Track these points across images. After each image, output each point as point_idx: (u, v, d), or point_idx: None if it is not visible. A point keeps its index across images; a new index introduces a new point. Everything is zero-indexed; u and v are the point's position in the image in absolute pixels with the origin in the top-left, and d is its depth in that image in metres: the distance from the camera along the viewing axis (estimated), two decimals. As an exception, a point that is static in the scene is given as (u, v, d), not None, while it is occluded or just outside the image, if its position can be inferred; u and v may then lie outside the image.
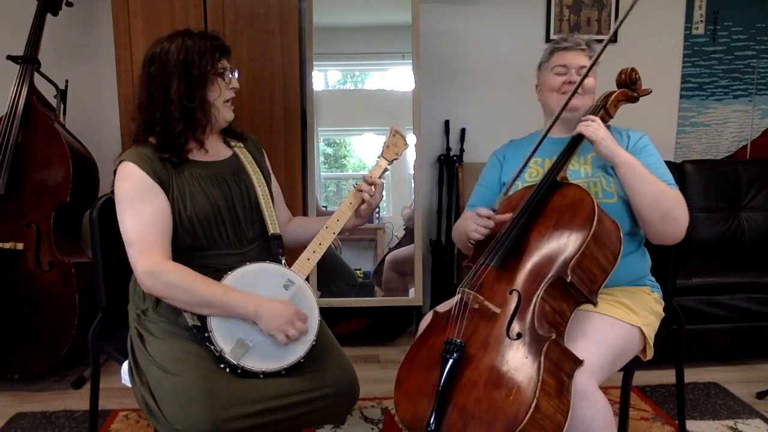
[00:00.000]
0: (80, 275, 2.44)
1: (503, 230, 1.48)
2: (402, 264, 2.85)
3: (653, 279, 1.69)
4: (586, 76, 1.59)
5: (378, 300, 2.86)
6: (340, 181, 3.13)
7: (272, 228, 1.56)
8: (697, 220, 2.99)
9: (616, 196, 1.58)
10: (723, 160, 3.30)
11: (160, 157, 1.45)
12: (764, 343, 2.63)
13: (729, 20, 3.22)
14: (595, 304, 1.39)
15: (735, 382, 2.49)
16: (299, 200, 2.67)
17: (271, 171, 1.71)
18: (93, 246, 1.64)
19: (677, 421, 1.95)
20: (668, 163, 1.65)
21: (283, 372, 1.41)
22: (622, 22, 1.58)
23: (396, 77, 2.95)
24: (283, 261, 1.52)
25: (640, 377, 2.46)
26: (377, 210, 2.96)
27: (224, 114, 1.52)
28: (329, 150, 3.07)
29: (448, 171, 3.17)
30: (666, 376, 2.42)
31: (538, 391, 1.18)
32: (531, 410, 1.16)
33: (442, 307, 1.55)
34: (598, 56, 1.58)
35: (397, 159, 1.66)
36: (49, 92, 2.64)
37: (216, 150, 1.57)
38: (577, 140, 1.56)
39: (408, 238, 2.87)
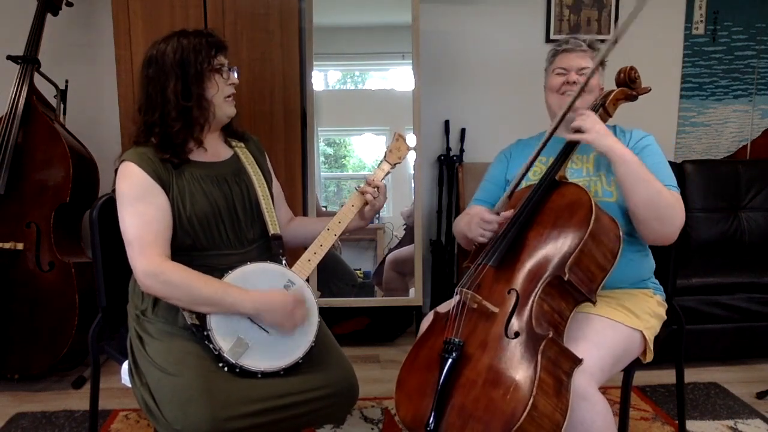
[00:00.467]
0: (80, 275, 2.44)
1: (501, 230, 1.49)
2: (402, 264, 2.85)
3: (656, 281, 1.69)
4: (590, 77, 1.58)
5: (378, 300, 2.86)
6: (340, 181, 3.13)
7: (273, 229, 1.56)
8: (697, 220, 2.99)
9: (615, 195, 1.58)
10: (723, 160, 3.30)
11: (160, 158, 1.45)
12: (764, 343, 2.63)
13: (729, 20, 3.22)
14: (594, 303, 1.39)
15: (735, 382, 2.49)
16: (299, 200, 2.67)
17: (272, 172, 1.71)
18: (93, 246, 1.64)
19: (677, 421, 1.95)
20: (668, 163, 1.64)
21: (282, 372, 1.41)
22: (626, 27, 1.56)
23: (396, 77, 2.95)
24: (284, 261, 1.52)
25: (640, 377, 2.46)
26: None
27: (225, 110, 1.52)
28: (329, 150, 3.07)
29: (448, 171, 3.17)
30: (666, 376, 2.42)
31: (535, 389, 1.18)
32: (528, 408, 1.16)
33: (442, 308, 1.56)
34: (600, 61, 1.57)
35: (399, 163, 1.67)
36: (49, 92, 2.64)
37: (217, 150, 1.57)
38: (572, 143, 1.55)
39: (408, 238, 2.87)
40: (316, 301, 1.50)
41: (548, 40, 3.16)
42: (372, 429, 2.14)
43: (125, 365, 1.50)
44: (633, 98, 1.65)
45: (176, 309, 1.42)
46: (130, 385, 1.45)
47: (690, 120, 3.32)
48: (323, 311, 1.52)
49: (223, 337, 1.37)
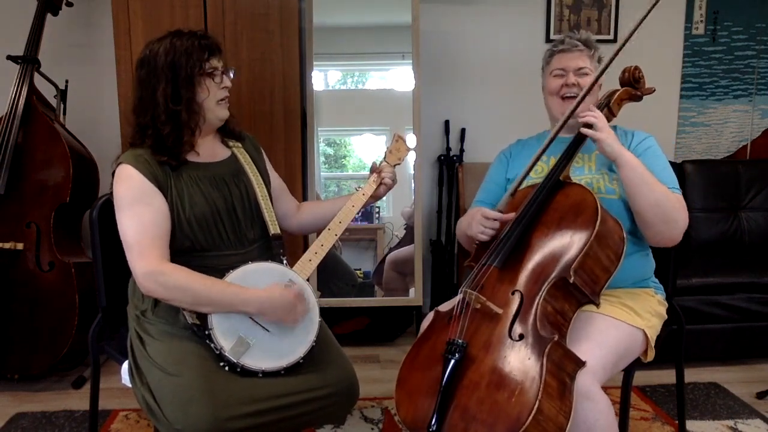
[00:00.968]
0: (80, 275, 2.44)
1: (505, 230, 1.48)
2: (402, 264, 2.85)
3: (657, 281, 1.69)
4: (594, 84, 1.57)
5: (378, 300, 2.86)
6: (340, 181, 3.13)
7: (272, 228, 1.56)
8: (697, 220, 2.99)
9: (617, 193, 1.58)
10: (723, 160, 3.30)
11: (158, 160, 1.45)
12: (764, 343, 2.63)
13: (729, 20, 3.22)
14: (597, 305, 1.39)
15: (735, 382, 2.49)
16: (299, 200, 2.67)
17: (270, 168, 1.71)
18: (93, 246, 1.64)
19: (677, 421, 1.95)
20: (670, 166, 1.64)
21: (283, 372, 1.41)
22: (631, 35, 1.53)
23: (396, 77, 2.95)
24: (284, 261, 1.52)
25: (640, 377, 2.46)
26: (377, 210, 2.96)
27: (217, 113, 1.52)
28: (329, 150, 3.07)
29: (448, 171, 3.17)
30: (666, 376, 2.42)
31: (540, 392, 1.17)
32: (533, 412, 1.15)
33: (443, 307, 1.55)
34: (604, 69, 1.54)
35: (399, 164, 1.68)
36: (49, 92, 2.64)
37: (214, 151, 1.57)
38: (580, 139, 1.55)
39: (408, 237, 2.87)
40: (317, 301, 1.50)
41: (548, 40, 3.16)
42: (372, 429, 2.14)
43: (125, 365, 1.50)
44: (637, 98, 1.64)
45: (176, 309, 1.42)
46: (130, 385, 1.45)
47: (690, 120, 3.32)
48: (323, 311, 1.52)
49: (225, 336, 1.37)
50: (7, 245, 2.42)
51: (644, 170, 1.49)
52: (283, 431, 1.40)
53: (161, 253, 1.39)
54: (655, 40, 3.18)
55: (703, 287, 2.57)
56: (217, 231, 1.48)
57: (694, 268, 2.63)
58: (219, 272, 1.42)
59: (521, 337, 1.29)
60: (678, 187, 1.57)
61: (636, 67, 1.63)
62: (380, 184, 1.63)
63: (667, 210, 1.48)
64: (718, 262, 2.75)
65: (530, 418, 1.15)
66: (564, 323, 1.35)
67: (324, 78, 2.97)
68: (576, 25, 3.16)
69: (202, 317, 1.38)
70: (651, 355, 1.57)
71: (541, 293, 1.33)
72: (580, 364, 1.28)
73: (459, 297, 1.43)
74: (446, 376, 1.27)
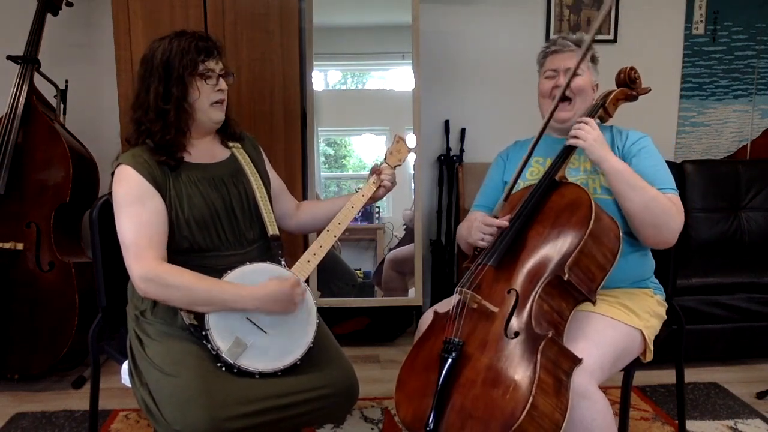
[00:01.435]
0: (80, 275, 2.44)
1: (501, 230, 1.49)
2: (402, 263, 2.85)
3: (656, 281, 1.69)
4: (568, 84, 1.59)
5: (378, 300, 2.86)
6: (340, 181, 3.13)
7: (271, 229, 1.56)
8: (697, 220, 2.99)
9: (613, 193, 1.58)
10: (723, 160, 3.30)
11: (156, 160, 1.45)
12: (764, 343, 2.63)
13: (729, 20, 3.22)
14: (594, 302, 1.39)
15: (735, 382, 2.49)
16: (299, 200, 2.67)
17: (269, 167, 1.71)
18: (93, 246, 1.64)
19: (677, 421, 1.95)
20: (668, 163, 1.63)
21: (279, 373, 1.41)
22: (597, 25, 1.56)
23: (396, 77, 2.95)
24: (283, 262, 1.52)
25: (640, 377, 2.46)
26: (377, 210, 2.96)
27: (211, 116, 1.52)
28: (330, 150, 3.07)
29: (448, 171, 3.17)
30: (666, 376, 2.42)
31: (534, 388, 1.18)
32: (527, 408, 1.16)
33: (441, 308, 1.56)
34: (577, 65, 1.57)
35: (399, 165, 1.68)
36: (49, 92, 2.64)
37: (212, 152, 1.57)
38: (571, 147, 1.56)
39: (408, 237, 2.87)
40: (316, 301, 1.50)
41: (548, 40, 3.15)
42: (372, 429, 2.14)
43: (125, 365, 1.50)
44: (633, 98, 1.66)
45: (175, 310, 1.42)
46: (130, 385, 1.45)
47: (690, 120, 3.31)
48: (323, 311, 1.52)
49: (222, 337, 1.37)
50: (7, 245, 2.42)
51: (631, 175, 1.48)
52: (283, 431, 1.40)
53: (158, 254, 1.39)
54: (655, 40, 3.19)
55: (703, 287, 2.57)
56: (216, 232, 1.48)
57: (694, 268, 2.63)
58: (218, 273, 1.42)
59: (516, 334, 1.30)
60: (674, 187, 1.56)
61: (632, 68, 1.64)
62: (379, 186, 1.63)
63: (657, 214, 1.47)
64: (718, 262, 2.75)
65: (524, 413, 1.16)
66: (561, 321, 1.36)
67: (324, 78, 2.97)
68: (576, 25, 3.16)
69: (200, 318, 1.38)
70: (649, 356, 1.57)
71: (536, 291, 1.34)
72: (577, 361, 1.28)
73: (455, 296, 1.44)
74: (443, 375, 1.28)
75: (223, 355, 1.36)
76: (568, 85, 1.60)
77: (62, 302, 2.42)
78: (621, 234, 1.43)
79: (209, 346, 1.37)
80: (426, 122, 3.03)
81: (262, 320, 1.42)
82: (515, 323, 1.32)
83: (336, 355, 1.54)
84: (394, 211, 2.97)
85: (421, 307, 2.87)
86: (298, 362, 1.43)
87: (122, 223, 1.40)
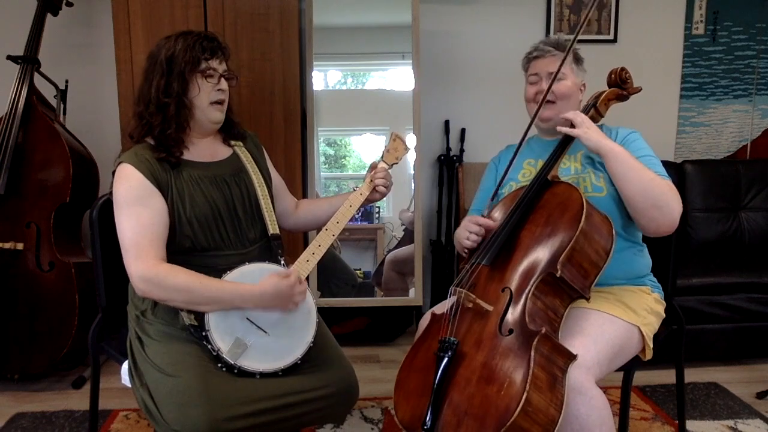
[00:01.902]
0: (80, 275, 2.44)
1: (495, 230, 1.50)
2: (402, 264, 2.85)
3: (654, 279, 1.69)
4: (549, 88, 1.62)
5: (378, 300, 2.86)
6: (340, 181, 3.13)
7: (272, 228, 1.56)
8: (697, 220, 2.99)
9: (605, 190, 1.58)
10: (723, 160, 3.29)
11: (157, 158, 1.45)
12: (764, 343, 2.63)
13: (729, 20, 3.22)
14: (588, 299, 1.40)
15: (735, 382, 2.49)
16: (299, 200, 2.67)
17: (271, 166, 1.71)
18: (93, 246, 1.64)
19: (677, 421, 1.95)
20: (668, 163, 1.65)
21: (280, 373, 1.41)
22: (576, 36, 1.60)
23: (396, 77, 2.95)
24: (282, 261, 1.52)
25: (640, 377, 2.46)
26: (377, 210, 2.96)
27: (209, 115, 1.52)
28: (329, 150, 3.07)
29: (448, 171, 3.17)
30: (666, 376, 2.42)
31: (528, 384, 1.18)
32: (522, 403, 1.16)
33: (439, 308, 1.57)
34: (558, 70, 1.60)
35: (397, 163, 1.68)
36: (49, 92, 2.64)
37: (214, 151, 1.57)
38: (567, 139, 1.57)
39: (408, 238, 2.87)
40: (316, 301, 1.50)
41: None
42: (372, 429, 2.14)
43: (125, 365, 1.50)
44: (624, 98, 1.67)
45: (175, 310, 1.42)
46: (130, 386, 1.45)
47: (690, 120, 3.31)
48: (323, 311, 1.52)
49: (222, 337, 1.37)
50: (7, 245, 2.42)
51: (629, 157, 1.49)
52: (283, 431, 1.40)
53: (157, 254, 1.39)
54: (655, 40, 3.19)
55: (703, 287, 2.57)
56: (218, 231, 1.49)
57: (694, 268, 2.63)
58: (218, 272, 1.42)
59: (510, 332, 1.31)
60: (666, 175, 1.56)
61: (623, 68, 1.65)
62: (373, 189, 1.62)
63: (657, 194, 1.47)
64: (718, 262, 2.75)
65: (519, 409, 1.16)
66: (556, 318, 1.36)
67: (324, 78, 2.97)
68: (576, 25, 3.15)
69: (200, 318, 1.38)
70: (649, 354, 1.57)
71: (529, 288, 1.35)
72: (572, 357, 1.29)
73: (450, 296, 1.45)
74: (439, 374, 1.29)
75: (223, 355, 1.36)
76: (549, 88, 1.62)
77: (62, 302, 2.42)
78: (614, 231, 1.44)
79: (209, 346, 1.37)
80: (426, 122, 3.03)
81: (262, 320, 1.42)
82: (509, 321, 1.33)
83: (336, 355, 1.54)
84: (393, 211, 2.97)
85: (421, 307, 2.87)
86: (299, 362, 1.43)
87: (122, 222, 1.40)
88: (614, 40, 3.15)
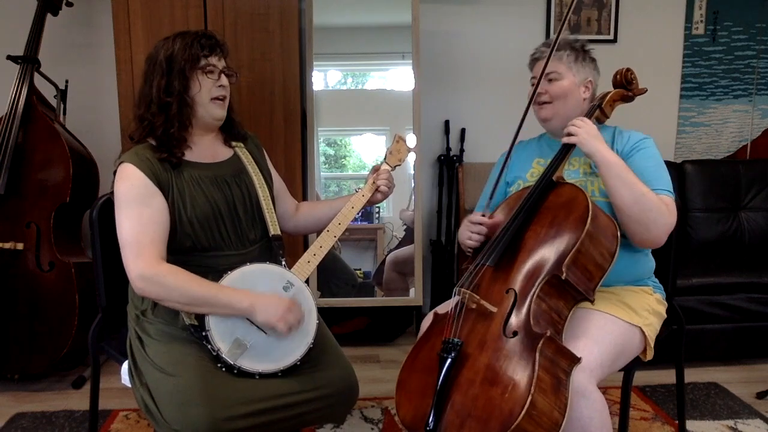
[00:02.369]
0: (80, 275, 2.44)
1: (499, 230, 1.50)
2: (403, 264, 2.85)
3: (656, 280, 1.69)
4: (536, 88, 1.63)
5: (378, 300, 2.86)
6: (340, 181, 3.13)
7: (273, 229, 1.56)
8: (697, 220, 2.99)
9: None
10: (723, 160, 3.30)
11: (158, 158, 1.45)
12: (764, 343, 2.63)
13: (729, 20, 3.22)
14: (592, 301, 1.40)
15: (735, 382, 2.50)
16: (299, 200, 2.67)
17: (272, 167, 1.71)
18: (93, 246, 1.64)
19: (677, 421, 1.95)
20: (668, 163, 1.64)
21: (280, 374, 1.41)
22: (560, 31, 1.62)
23: (396, 77, 2.95)
24: (283, 262, 1.52)
25: (640, 377, 2.46)
26: (377, 210, 2.96)
27: (211, 111, 1.52)
28: (329, 150, 3.07)
29: (448, 171, 3.17)
30: (666, 376, 2.42)
31: (533, 387, 1.18)
32: (526, 407, 1.16)
33: (441, 308, 1.56)
34: (543, 71, 1.62)
35: (400, 165, 1.68)
36: (49, 92, 2.64)
37: (215, 151, 1.57)
38: (567, 147, 1.56)
39: (409, 237, 2.87)
40: (316, 301, 1.50)
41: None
42: (372, 429, 2.14)
43: (125, 365, 1.50)
44: (629, 99, 1.67)
45: (176, 310, 1.42)
46: (130, 385, 1.45)
47: (690, 120, 3.32)
48: (323, 311, 1.52)
49: (222, 338, 1.37)
50: (7, 245, 2.42)
51: (622, 169, 1.49)
52: (283, 431, 1.40)
53: (157, 254, 1.39)
54: (655, 40, 3.19)
55: (703, 287, 2.57)
56: (219, 231, 1.49)
57: (694, 268, 2.63)
58: (219, 272, 1.42)
59: (515, 333, 1.30)
60: (670, 190, 1.56)
61: (628, 69, 1.65)
62: (375, 191, 1.62)
63: (644, 210, 1.47)
64: (718, 262, 2.75)
65: (523, 412, 1.16)
66: (560, 320, 1.36)
67: (324, 78, 2.97)
68: (576, 25, 3.16)
69: (200, 318, 1.38)
70: (650, 354, 1.57)
71: (534, 290, 1.35)
72: (575, 360, 1.28)
73: (454, 296, 1.45)
74: (442, 374, 1.28)
75: (223, 355, 1.36)
76: (535, 90, 1.64)
77: (62, 302, 2.42)
78: (619, 234, 1.43)
79: (209, 346, 1.37)
80: (426, 122, 3.03)
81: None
82: (513, 323, 1.32)
83: (336, 355, 1.54)
84: (394, 211, 2.97)
85: (421, 308, 2.87)
86: (298, 362, 1.43)
87: (122, 221, 1.40)
88: (614, 40, 3.15)
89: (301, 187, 2.67)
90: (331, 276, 2.80)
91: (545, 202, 1.50)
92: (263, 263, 1.48)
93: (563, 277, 1.33)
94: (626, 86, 1.66)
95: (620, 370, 1.58)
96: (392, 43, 2.89)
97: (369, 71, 3.07)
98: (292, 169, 2.60)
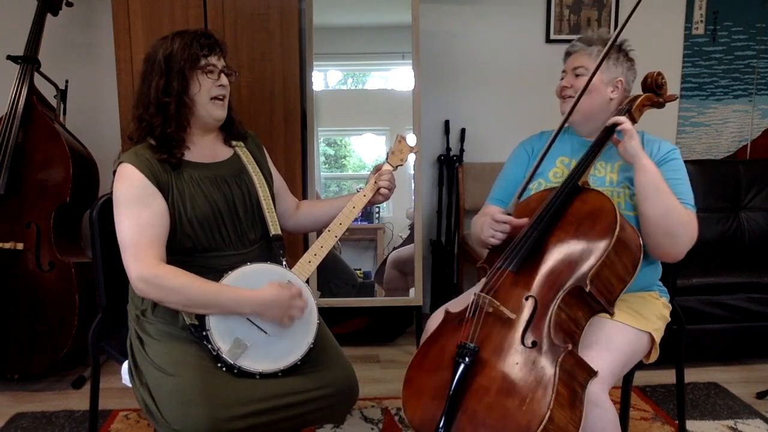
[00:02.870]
0: (80, 275, 2.44)
1: (521, 234, 1.45)
2: (404, 263, 2.85)
3: (661, 284, 1.68)
4: (582, 94, 1.57)
5: (378, 300, 2.86)
6: (340, 181, 3.13)
7: (273, 229, 1.56)
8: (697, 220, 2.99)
9: (636, 210, 1.54)
10: (723, 160, 3.30)
11: (158, 159, 1.45)
12: (764, 343, 2.63)
13: (729, 20, 3.22)
14: (612, 314, 1.37)
15: (735, 382, 2.50)
16: (299, 200, 2.67)
17: (272, 166, 1.71)
18: (93, 246, 1.64)
19: (677, 421, 1.95)
20: (689, 181, 1.61)
21: (280, 374, 1.41)
22: (622, 28, 1.59)
23: (396, 77, 2.95)
24: (284, 262, 1.52)
25: (640, 377, 2.46)
26: (377, 210, 2.96)
27: (210, 111, 1.51)
28: (330, 150, 3.07)
29: (448, 171, 3.17)
30: (666, 376, 2.42)
31: (552, 402, 1.16)
32: (544, 422, 1.14)
33: (453, 306, 1.51)
34: (596, 70, 1.57)
35: (401, 165, 1.68)
36: (49, 92, 2.64)
37: (215, 151, 1.57)
38: (600, 143, 1.52)
39: (412, 237, 2.86)
40: (316, 301, 1.50)
41: (548, 40, 3.16)
42: (372, 429, 2.14)
43: (125, 365, 1.50)
44: (660, 105, 1.62)
45: (176, 310, 1.42)
46: (130, 385, 1.45)
47: (690, 120, 3.32)
48: (323, 311, 1.52)
49: (222, 338, 1.37)
50: (7, 245, 2.42)
51: (660, 178, 1.46)
52: (283, 431, 1.40)
53: (157, 254, 1.39)
54: (655, 40, 3.19)
55: (703, 287, 2.57)
56: (219, 231, 1.48)
57: (694, 268, 2.63)
58: (219, 273, 1.42)
59: (534, 344, 1.27)
60: (693, 204, 1.53)
61: (659, 73, 1.60)
62: (377, 191, 1.62)
63: (672, 222, 1.45)
64: (718, 262, 2.75)
65: (541, 427, 1.14)
66: (576, 331, 1.33)
67: (324, 78, 2.97)
68: (576, 25, 3.16)
69: (200, 318, 1.38)
70: (654, 357, 1.56)
71: (555, 301, 1.31)
72: (592, 373, 1.26)
73: (472, 299, 1.41)
74: (456, 379, 1.26)
75: (223, 355, 1.36)
76: (580, 96, 1.58)
77: (62, 302, 2.42)
78: (641, 243, 1.40)
79: (209, 346, 1.37)
80: (426, 122, 3.03)
81: (262, 321, 1.41)
82: (532, 332, 1.29)
83: (336, 355, 1.53)
84: (394, 211, 2.97)
85: (421, 308, 2.87)
86: (299, 362, 1.43)
87: (122, 222, 1.40)
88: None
89: (301, 187, 2.67)
90: (331, 276, 2.80)
91: (570, 208, 1.45)
92: (264, 263, 1.48)
93: (587, 289, 1.30)
94: (656, 91, 1.60)
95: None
96: (392, 43, 2.89)
97: (369, 71, 3.07)
98: (292, 169, 2.60)
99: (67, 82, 2.68)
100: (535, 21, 3.16)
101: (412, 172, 2.84)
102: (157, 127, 1.45)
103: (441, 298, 3.05)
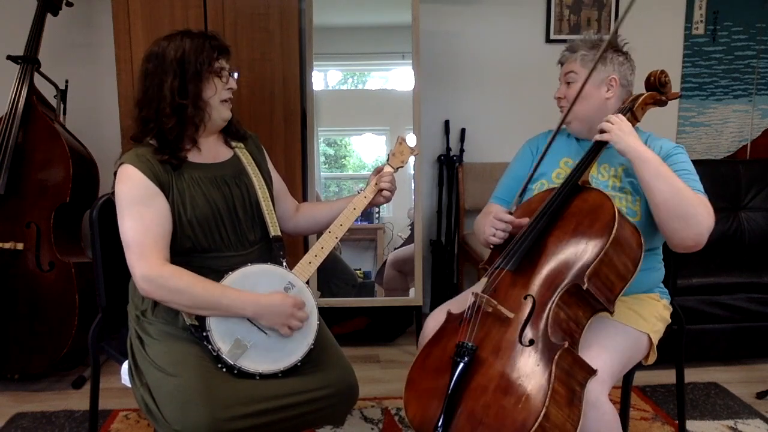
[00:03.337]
0: (80, 275, 2.44)
1: (521, 233, 1.45)
2: (404, 263, 2.85)
3: (662, 286, 1.68)
4: (576, 99, 1.59)
5: (378, 300, 2.86)
6: (340, 181, 3.13)
7: (273, 230, 1.56)
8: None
9: (639, 214, 1.55)
10: (723, 160, 3.30)
11: (159, 159, 1.45)
12: (764, 343, 2.63)
13: (729, 20, 3.22)
14: (612, 313, 1.37)
15: (735, 382, 2.50)
16: (299, 200, 2.67)
17: (272, 167, 1.71)
18: (93, 246, 1.64)
19: (677, 421, 1.95)
20: (696, 172, 1.61)
21: (280, 374, 1.41)
22: (617, 27, 1.59)
23: (396, 77, 2.95)
24: (284, 263, 1.52)
25: (640, 377, 2.46)
26: (377, 210, 2.96)
27: (221, 113, 1.52)
28: (330, 150, 3.07)
29: (448, 171, 3.17)
30: (666, 376, 2.42)
31: (548, 399, 1.16)
32: (540, 419, 1.14)
33: (454, 307, 1.51)
34: (587, 79, 1.58)
35: (402, 167, 1.67)
36: (49, 92, 2.64)
37: (216, 152, 1.57)
38: (599, 145, 1.52)
39: (412, 237, 2.86)
40: (316, 302, 1.50)
41: (548, 40, 3.16)
42: (372, 429, 2.14)
43: (125, 365, 1.50)
44: (662, 103, 1.61)
45: (176, 310, 1.42)
46: (130, 385, 1.45)
47: (690, 120, 3.32)
48: (323, 311, 1.52)
49: (222, 338, 1.37)
50: (7, 245, 2.42)
51: (661, 165, 1.44)
52: (283, 431, 1.40)
53: (161, 254, 1.39)
54: (655, 40, 3.19)
55: (703, 287, 2.57)
56: (218, 232, 1.48)
57: (694, 268, 2.63)
58: (219, 273, 1.42)
59: (531, 342, 1.28)
60: (703, 191, 1.52)
61: (662, 71, 1.59)
62: (378, 193, 1.61)
63: (683, 205, 1.43)
64: (718, 262, 2.74)
65: (536, 425, 1.14)
66: (577, 330, 1.33)
67: (324, 78, 2.97)
68: (576, 25, 3.16)
69: (200, 319, 1.38)
70: (653, 359, 1.56)
71: (553, 299, 1.31)
72: (591, 372, 1.26)
73: (470, 299, 1.41)
74: (454, 379, 1.26)
75: (223, 356, 1.36)
76: (575, 101, 1.60)
77: (62, 302, 2.42)
78: (642, 242, 1.39)
79: (210, 347, 1.37)
80: (426, 122, 3.03)
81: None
82: (530, 331, 1.30)
83: (336, 356, 1.53)
84: (394, 212, 2.97)
85: (421, 308, 2.87)
86: (299, 363, 1.43)
87: (125, 223, 1.40)
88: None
89: (301, 187, 2.67)
90: (331, 276, 2.80)
91: (570, 207, 1.45)
92: (264, 264, 1.48)
93: (584, 287, 1.30)
94: (660, 89, 1.59)
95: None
96: (392, 43, 2.89)
97: (369, 71, 3.07)
98: (292, 169, 2.60)
99: (67, 82, 2.68)
100: (535, 21, 3.16)
101: (412, 172, 2.84)
102: (171, 129, 1.44)
103: (441, 298, 3.05)
